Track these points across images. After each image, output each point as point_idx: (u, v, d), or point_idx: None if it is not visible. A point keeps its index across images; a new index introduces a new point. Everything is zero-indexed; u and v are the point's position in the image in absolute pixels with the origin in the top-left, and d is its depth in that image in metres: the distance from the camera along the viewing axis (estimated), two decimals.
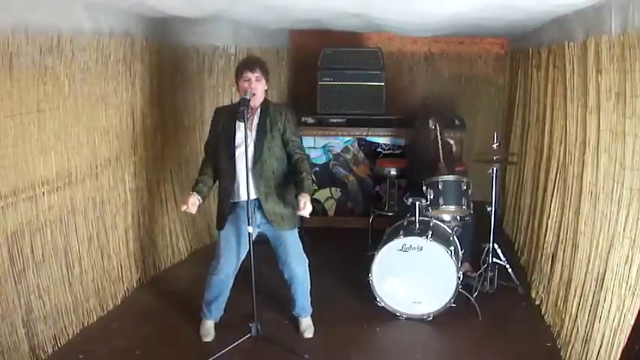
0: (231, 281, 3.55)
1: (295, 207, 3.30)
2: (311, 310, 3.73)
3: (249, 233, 3.30)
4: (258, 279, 3.47)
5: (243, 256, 3.49)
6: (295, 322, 3.75)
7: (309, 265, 3.60)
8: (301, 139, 3.58)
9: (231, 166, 3.36)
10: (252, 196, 3.28)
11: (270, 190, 3.38)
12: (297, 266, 3.54)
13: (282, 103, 5.69)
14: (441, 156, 4.50)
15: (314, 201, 5.78)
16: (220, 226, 3.45)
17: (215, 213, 3.59)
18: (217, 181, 3.49)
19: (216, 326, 3.67)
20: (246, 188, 3.25)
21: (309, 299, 3.70)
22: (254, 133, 3.37)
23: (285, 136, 3.42)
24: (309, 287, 3.66)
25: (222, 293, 3.57)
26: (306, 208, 3.21)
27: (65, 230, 3.54)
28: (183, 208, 3.35)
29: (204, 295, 3.61)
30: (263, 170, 3.35)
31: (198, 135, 5.11)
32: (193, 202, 3.34)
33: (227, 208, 3.41)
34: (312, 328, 3.68)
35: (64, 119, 3.47)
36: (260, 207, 3.39)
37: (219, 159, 3.43)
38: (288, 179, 3.45)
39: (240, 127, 3.30)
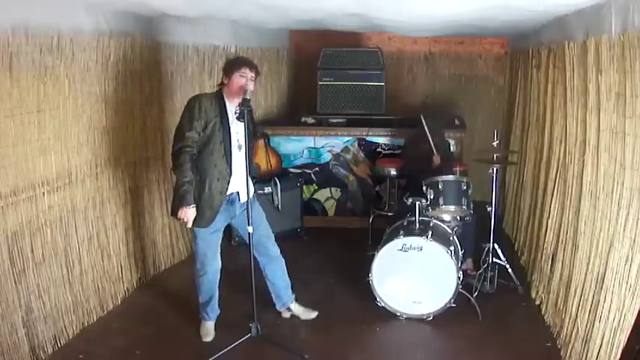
0: (218, 277, 3.58)
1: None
2: (294, 293, 3.84)
3: (249, 233, 3.35)
4: (258, 279, 3.48)
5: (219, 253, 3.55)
6: (295, 322, 3.76)
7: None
8: None
9: (228, 162, 3.34)
10: (234, 189, 3.39)
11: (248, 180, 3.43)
12: (273, 246, 3.66)
13: None
14: (434, 148, 4.55)
15: (314, 201, 5.81)
16: (208, 223, 3.37)
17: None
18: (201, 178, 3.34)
19: (216, 326, 3.67)
20: (245, 186, 3.32)
21: (290, 282, 3.80)
22: (243, 130, 3.35)
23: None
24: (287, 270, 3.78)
25: (214, 292, 3.60)
26: None
27: (65, 230, 3.55)
28: (189, 225, 3.31)
29: (198, 298, 3.63)
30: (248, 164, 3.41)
31: None
32: (193, 214, 3.29)
33: (219, 205, 3.36)
34: (307, 308, 3.83)
35: (64, 119, 3.48)
36: (237, 198, 3.44)
37: (209, 156, 3.30)
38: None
39: (238, 125, 3.30)
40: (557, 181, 3.94)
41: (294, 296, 3.85)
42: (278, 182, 5.25)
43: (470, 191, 4.20)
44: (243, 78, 3.33)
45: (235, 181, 3.38)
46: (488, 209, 4.21)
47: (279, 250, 3.71)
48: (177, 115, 4.81)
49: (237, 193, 3.44)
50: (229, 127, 3.35)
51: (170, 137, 4.73)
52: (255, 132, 3.53)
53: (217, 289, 3.61)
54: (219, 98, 3.37)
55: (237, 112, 3.24)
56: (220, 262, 3.56)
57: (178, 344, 3.57)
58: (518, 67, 5.69)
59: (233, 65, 3.39)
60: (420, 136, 4.75)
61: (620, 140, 2.82)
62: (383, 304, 3.88)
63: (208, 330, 3.64)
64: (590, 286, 3.11)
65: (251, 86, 3.36)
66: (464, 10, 3.58)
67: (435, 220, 4.12)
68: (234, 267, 3.77)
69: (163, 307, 4.07)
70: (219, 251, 3.54)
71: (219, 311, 3.68)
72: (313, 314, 3.81)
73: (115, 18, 3.87)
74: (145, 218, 4.46)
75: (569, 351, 3.26)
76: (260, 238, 3.58)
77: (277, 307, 3.84)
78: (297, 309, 3.84)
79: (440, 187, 4.15)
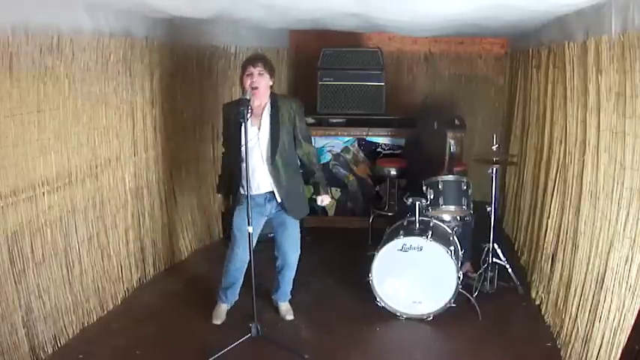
0: (245, 267, 3.66)
1: (304, 197, 3.73)
2: (290, 296, 3.93)
3: (249, 233, 3.37)
4: (258, 279, 3.48)
5: (254, 243, 3.57)
6: (295, 323, 3.77)
7: (299, 258, 3.82)
8: (309, 132, 3.74)
9: (242, 161, 3.41)
10: (267, 189, 3.50)
11: (286, 181, 3.54)
12: (292, 253, 3.75)
13: (290, 96, 5.70)
14: (447, 160, 4.60)
15: (313, 201, 5.79)
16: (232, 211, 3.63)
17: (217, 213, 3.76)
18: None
19: (217, 326, 3.69)
20: (256, 184, 3.44)
21: (292, 286, 3.89)
22: (267, 129, 3.48)
23: (295, 130, 3.58)
24: (294, 275, 3.86)
25: (237, 280, 3.73)
26: (325, 202, 3.79)
27: (65, 230, 3.54)
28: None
29: (222, 281, 3.76)
30: (279, 163, 3.50)
31: (198, 135, 5.11)
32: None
33: (239, 201, 3.54)
34: (292, 311, 3.90)
35: (64, 119, 3.47)
36: (274, 197, 3.55)
37: (233, 155, 3.54)
38: (298, 169, 3.67)
39: (247, 125, 3.33)
40: (557, 181, 3.94)
41: (289, 297, 3.93)
42: None
43: (470, 191, 4.20)
44: (249, 78, 3.44)
45: (263, 181, 3.50)
46: (488, 209, 4.22)
47: (297, 259, 3.79)
48: (177, 115, 4.86)
49: (272, 193, 3.55)
50: (240, 128, 3.34)
51: (169, 137, 4.77)
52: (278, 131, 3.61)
53: (242, 277, 3.70)
54: (239, 102, 3.48)
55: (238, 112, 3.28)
56: (250, 255, 3.50)
57: (178, 344, 3.57)
58: (518, 67, 5.69)
59: (241, 70, 3.53)
60: (430, 135, 4.76)
61: (620, 140, 2.82)
62: (383, 304, 3.89)
63: (221, 313, 3.76)
64: (590, 286, 3.11)
65: (261, 81, 3.44)
66: (467, 9, 3.58)
67: (435, 220, 4.12)
68: None
69: (163, 307, 4.07)
70: (251, 245, 3.49)
71: (237, 297, 3.79)
72: (290, 317, 3.87)
73: (115, 18, 3.86)
74: (145, 218, 4.46)
75: (569, 351, 3.26)
76: (284, 243, 3.71)
77: (272, 296, 3.97)
78: (283, 307, 3.92)
79: (440, 187, 4.15)
